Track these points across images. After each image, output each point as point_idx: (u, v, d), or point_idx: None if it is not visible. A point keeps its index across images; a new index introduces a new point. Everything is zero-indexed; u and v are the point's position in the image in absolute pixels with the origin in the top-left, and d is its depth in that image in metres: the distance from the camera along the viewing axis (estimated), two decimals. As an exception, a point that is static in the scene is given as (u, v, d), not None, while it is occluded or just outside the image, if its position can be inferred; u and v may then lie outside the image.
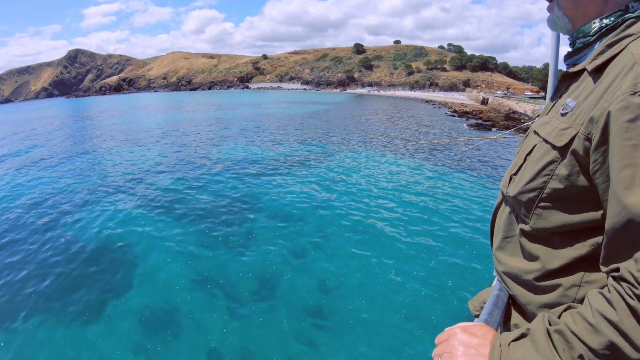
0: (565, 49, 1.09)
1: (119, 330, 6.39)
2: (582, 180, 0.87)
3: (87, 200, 13.10)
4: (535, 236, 1.00)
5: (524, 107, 45.30)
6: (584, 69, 0.95)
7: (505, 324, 1.14)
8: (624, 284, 0.71)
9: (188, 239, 9.66)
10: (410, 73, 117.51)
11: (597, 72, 0.88)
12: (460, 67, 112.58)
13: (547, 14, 1.08)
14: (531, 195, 0.97)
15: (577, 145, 0.86)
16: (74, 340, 6.21)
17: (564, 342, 0.75)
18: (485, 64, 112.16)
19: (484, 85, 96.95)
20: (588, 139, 0.83)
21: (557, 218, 0.93)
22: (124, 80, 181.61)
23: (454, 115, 44.93)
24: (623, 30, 0.87)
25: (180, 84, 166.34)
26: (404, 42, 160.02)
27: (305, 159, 19.01)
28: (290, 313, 6.69)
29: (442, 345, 0.92)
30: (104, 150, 23.29)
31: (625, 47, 0.83)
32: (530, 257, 1.01)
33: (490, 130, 31.90)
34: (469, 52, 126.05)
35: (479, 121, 38.15)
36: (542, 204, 0.95)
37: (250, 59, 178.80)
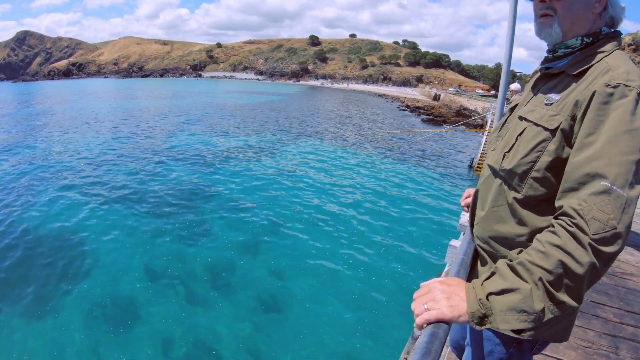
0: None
1: (71, 322, 6.22)
2: (566, 152, 1.07)
3: (35, 191, 12.26)
4: (526, 203, 1.18)
5: (474, 104, 46.82)
6: (563, 72, 1.20)
7: None
8: (565, 217, 0.94)
9: (142, 229, 9.45)
10: (365, 67, 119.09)
11: (579, 76, 1.13)
12: (414, 63, 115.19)
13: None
14: (526, 167, 1.15)
15: (565, 125, 1.08)
16: (24, 332, 5.99)
17: (525, 270, 0.94)
18: (439, 61, 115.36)
19: (436, 82, 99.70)
20: (573, 118, 1.06)
21: (546, 186, 1.13)
22: (73, 64, 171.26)
23: (405, 110, 45.90)
24: (599, 47, 1.14)
25: (131, 70, 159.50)
26: (359, 36, 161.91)
27: (258, 150, 18.85)
28: (244, 301, 6.80)
29: (423, 297, 1.03)
30: (52, 140, 21.62)
31: (602, 59, 1.10)
32: (521, 222, 1.20)
33: (442, 125, 32.79)
34: (423, 49, 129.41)
35: (431, 116, 39.18)
36: (534, 174, 1.14)
37: (204, 47, 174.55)
